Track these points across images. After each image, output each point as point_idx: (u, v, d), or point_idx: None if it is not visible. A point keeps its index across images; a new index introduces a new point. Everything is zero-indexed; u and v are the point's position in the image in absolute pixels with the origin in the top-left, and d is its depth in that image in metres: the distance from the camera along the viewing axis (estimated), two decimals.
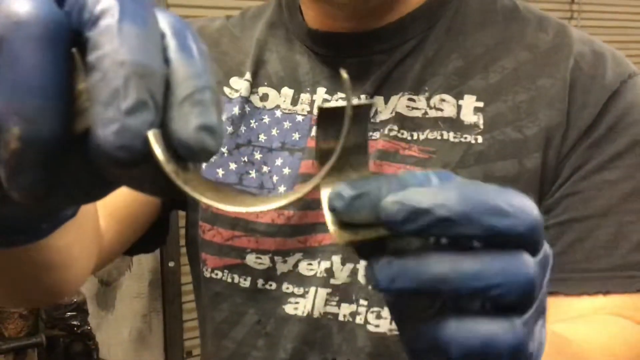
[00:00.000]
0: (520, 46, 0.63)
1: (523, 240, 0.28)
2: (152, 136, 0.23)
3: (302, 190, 0.27)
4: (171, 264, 1.98)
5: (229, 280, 0.66)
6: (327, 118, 0.29)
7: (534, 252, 0.29)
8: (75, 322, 1.69)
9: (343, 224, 0.29)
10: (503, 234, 0.28)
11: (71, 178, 0.26)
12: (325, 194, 0.30)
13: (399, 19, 0.64)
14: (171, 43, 0.25)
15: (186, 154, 0.24)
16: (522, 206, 0.28)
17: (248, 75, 0.69)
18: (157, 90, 0.23)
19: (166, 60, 0.24)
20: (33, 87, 0.23)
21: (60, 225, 0.38)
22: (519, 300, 0.28)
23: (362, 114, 0.29)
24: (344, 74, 0.26)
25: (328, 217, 0.29)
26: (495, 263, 0.28)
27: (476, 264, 0.28)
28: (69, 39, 0.24)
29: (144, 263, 2.00)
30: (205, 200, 0.25)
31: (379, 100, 0.64)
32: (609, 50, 0.64)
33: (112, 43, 0.23)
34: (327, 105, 0.29)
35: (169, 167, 0.24)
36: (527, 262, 0.28)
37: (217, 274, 0.67)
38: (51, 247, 0.46)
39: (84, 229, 0.55)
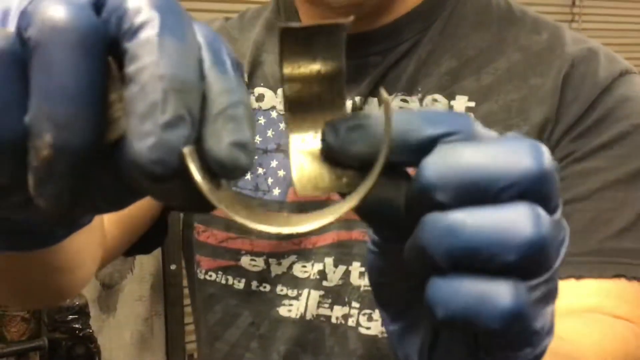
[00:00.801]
0: (513, 48, 0.63)
1: (527, 191, 0.24)
2: (188, 153, 0.23)
3: (339, 209, 0.26)
4: (173, 266, 1.98)
5: (223, 281, 0.66)
6: (293, 38, 0.26)
7: (546, 208, 0.25)
8: (77, 325, 1.69)
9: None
10: (499, 188, 0.24)
11: (97, 188, 0.26)
12: (294, 139, 0.28)
13: (394, 20, 0.64)
14: (206, 56, 0.24)
15: (219, 171, 0.24)
16: (517, 154, 0.24)
17: (244, 76, 0.69)
18: (194, 105, 0.23)
19: (201, 74, 0.24)
20: (67, 94, 0.22)
21: (75, 231, 0.38)
22: (524, 262, 0.24)
23: (334, 37, 0.26)
24: (384, 94, 0.26)
25: (295, 170, 0.28)
26: (493, 214, 0.24)
27: (469, 217, 0.24)
28: (105, 47, 0.23)
29: (146, 266, 2.00)
30: (239, 219, 0.24)
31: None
32: (603, 49, 0.64)
33: (151, 56, 0.22)
34: (291, 25, 0.26)
35: (204, 186, 0.23)
36: (536, 215, 0.24)
37: (211, 276, 0.67)
38: (63, 252, 0.46)
39: (93, 233, 0.55)
